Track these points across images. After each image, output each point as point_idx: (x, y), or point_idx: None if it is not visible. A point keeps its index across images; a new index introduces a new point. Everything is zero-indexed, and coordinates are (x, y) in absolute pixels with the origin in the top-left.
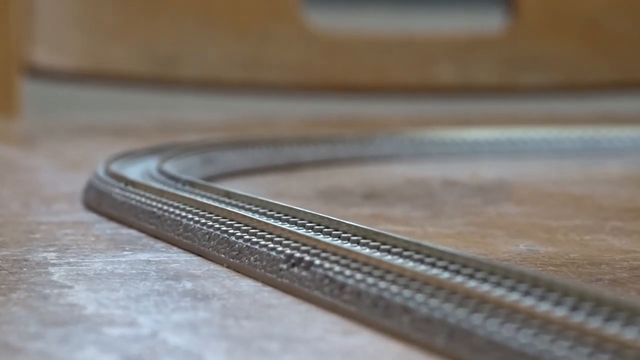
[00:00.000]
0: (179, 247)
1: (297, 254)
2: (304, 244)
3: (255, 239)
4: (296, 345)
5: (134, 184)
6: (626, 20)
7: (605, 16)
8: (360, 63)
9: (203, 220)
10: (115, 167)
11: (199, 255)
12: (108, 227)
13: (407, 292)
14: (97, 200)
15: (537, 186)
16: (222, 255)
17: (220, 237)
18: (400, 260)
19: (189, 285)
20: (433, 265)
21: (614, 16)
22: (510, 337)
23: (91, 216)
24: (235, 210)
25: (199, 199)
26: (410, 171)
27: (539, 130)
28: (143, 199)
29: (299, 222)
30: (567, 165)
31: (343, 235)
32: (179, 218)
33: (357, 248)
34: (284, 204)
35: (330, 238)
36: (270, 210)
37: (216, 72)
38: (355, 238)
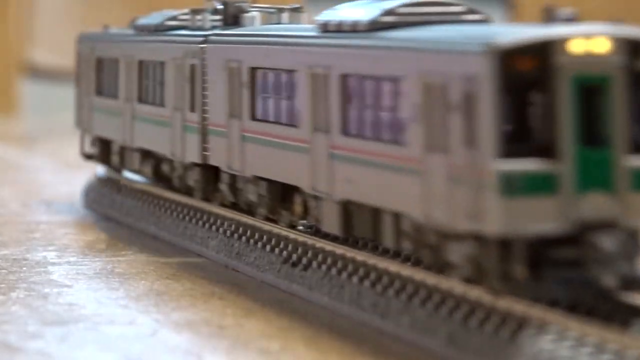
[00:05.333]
0: (179, 246)
1: (297, 254)
2: (304, 244)
3: (255, 239)
4: (295, 345)
5: (133, 184)
6: (624, 20)
7: (604, 16)
8: None
9: (203, 220)
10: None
11: (198, 254)
12: (108, 227)
13: (405, 294)
14: (97, 200)
15: None
16: (222, 255)
17: (221, 236)
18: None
19: (188, 284)
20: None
21: (612, 16)
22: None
23: (91, 216)
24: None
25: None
26: None
27: None
28: (143, 199)
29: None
30: None
31: None
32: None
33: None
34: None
35: (329, 238)
36: None
37: None
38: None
